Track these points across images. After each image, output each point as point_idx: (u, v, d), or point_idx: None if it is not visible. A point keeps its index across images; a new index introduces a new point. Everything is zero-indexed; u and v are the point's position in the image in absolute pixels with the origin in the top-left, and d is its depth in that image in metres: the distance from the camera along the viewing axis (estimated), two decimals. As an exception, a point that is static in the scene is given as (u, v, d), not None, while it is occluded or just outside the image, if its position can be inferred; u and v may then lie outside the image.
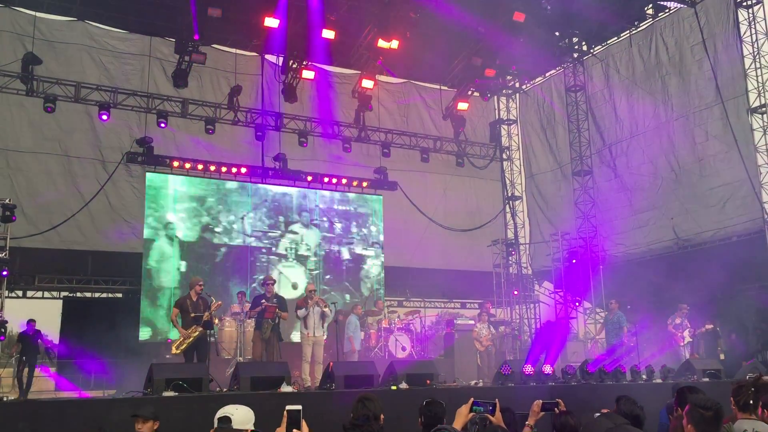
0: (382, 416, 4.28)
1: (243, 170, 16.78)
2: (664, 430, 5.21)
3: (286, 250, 16.94)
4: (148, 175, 15.85)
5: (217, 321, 10.60)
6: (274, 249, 16.78)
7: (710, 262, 14.24)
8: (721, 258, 14.35)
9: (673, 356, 13.09)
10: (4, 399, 7.33)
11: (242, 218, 16.49)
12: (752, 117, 15.49)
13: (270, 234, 16.80)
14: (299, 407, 3.12)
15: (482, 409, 3.90)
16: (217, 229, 16.22)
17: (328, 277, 17.46)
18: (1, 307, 13.57)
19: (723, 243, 15.74)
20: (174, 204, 15.88)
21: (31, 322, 13.57)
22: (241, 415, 3.54)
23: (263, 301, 11.43)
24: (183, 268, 15.59)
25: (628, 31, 18.45)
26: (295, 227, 17.16)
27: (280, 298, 11.82)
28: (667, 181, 17.23)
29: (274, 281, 12.32)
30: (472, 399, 3.93)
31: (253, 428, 3.55)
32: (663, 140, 17.45)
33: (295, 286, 16.72)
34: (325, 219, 17.62)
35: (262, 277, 14.79)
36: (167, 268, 15.50)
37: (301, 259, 17.17)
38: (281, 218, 17.06)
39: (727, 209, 15.84)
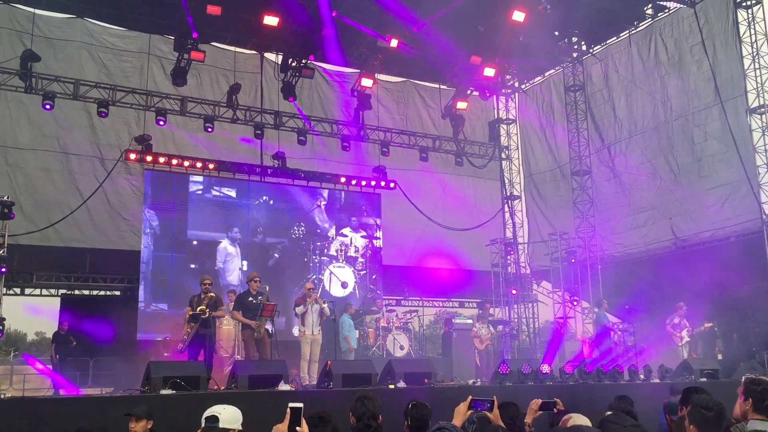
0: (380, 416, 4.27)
1: (243, 168, 16.78)
2: (664, 430, 5.21)
3: (336, 251, 17.68)
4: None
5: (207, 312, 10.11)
6: (326, 251, 17.55)
7: (709, 262, 14.27)
8: (719, 258, 14.37)
9: (672, 356, 13.10)
10: (2, 396, 7.31)
11: (299, 221, 17.30)
12: (751, 117, 15.50)
13: (325, 235, 17.69)
14: (301, 405, 3.14)
15: (480, 408, 3.89)
16: (274, 230, 16.97)
17: (374, 277, 17.96)
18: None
19: (721, 243, 15.74)
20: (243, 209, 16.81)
21: (63, 322, 13.79)
22: (228, 414, 3.51)
23: (259, 299, 10.80)
24: (245, 267, 16.14)
25: (627, 31, 18.45)
26: (345, 230, 17.95)
27: (267, 295, 10.92)
28: (666, 181, 17.24)
29: (260, 277, 11.22)
30: (470, 397, 3.92)
31: (240, 428, 3.53)
32: (662, 140, 17.46)
33: (344, 285, 17.45)
34: (372, 221, 18.32)
35: (314, 277, 15.89)
36: (232, 267, 16.22)
37: (350, 261, 17.79)
38: (333, 221, 17.86)
39: (725, 209, 15.85)
